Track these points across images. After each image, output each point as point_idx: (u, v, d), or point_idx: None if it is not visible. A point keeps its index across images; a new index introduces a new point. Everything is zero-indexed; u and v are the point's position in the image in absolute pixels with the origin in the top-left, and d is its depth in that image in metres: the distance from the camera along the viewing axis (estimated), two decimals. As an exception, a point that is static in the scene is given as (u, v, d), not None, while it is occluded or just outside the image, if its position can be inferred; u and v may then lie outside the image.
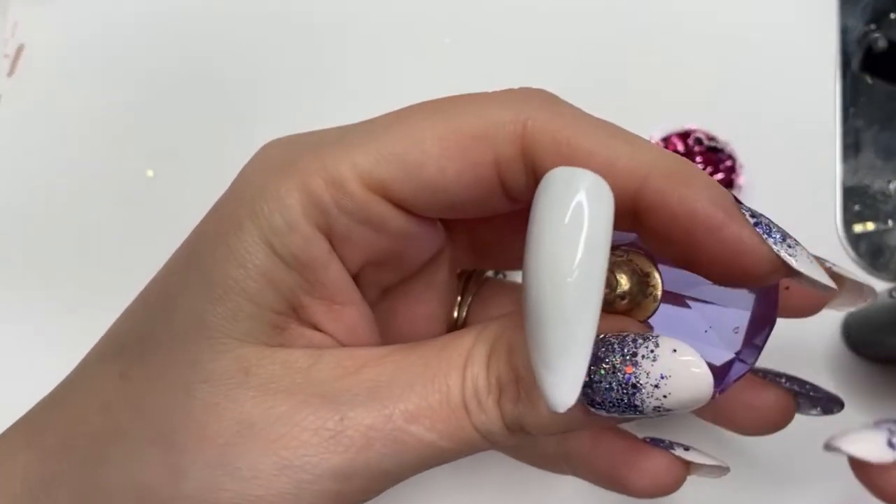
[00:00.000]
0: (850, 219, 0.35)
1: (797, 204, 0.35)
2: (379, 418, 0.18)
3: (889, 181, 0.35)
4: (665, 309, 0.20)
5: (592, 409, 0.17)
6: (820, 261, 0.19)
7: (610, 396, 0.17)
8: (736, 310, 0.20)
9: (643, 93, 0.38)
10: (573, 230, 0.15)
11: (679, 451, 0.20)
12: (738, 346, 0.19)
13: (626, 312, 0.19)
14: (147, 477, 0.18)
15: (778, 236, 0.17)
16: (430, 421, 0.18)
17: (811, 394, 0.22)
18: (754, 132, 0.36)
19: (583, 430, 0.22)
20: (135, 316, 0.20)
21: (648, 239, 0.18)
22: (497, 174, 0.18)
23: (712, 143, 0.35)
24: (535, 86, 0.19)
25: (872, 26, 0.37)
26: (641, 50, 0.39)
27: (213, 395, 0.18)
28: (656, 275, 0.19)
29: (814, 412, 0.22)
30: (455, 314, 0.24)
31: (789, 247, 0.17)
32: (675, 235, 0.17)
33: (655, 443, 0.22)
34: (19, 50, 0.41)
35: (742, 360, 0.20)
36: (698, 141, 0.35)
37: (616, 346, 0.17)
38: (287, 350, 0.19)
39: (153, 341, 0.19)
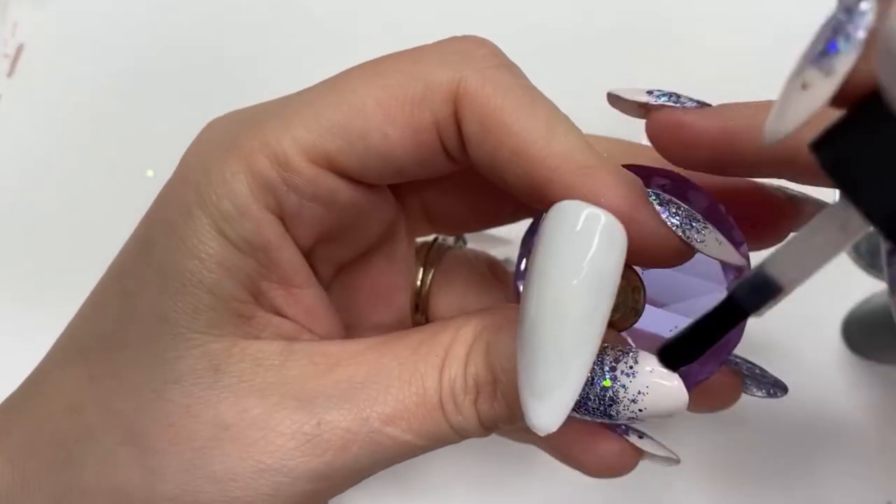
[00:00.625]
0: (850, 219, 0.34)
1: (797, 204, 0.35)
2: (356, 421, 0.18)
3: (889, 181, 0.35)
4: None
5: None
6: (780, 189, 0.20)
7: (586, 405, 0.17)
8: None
9: (643, 93, 0.38)
10: (580, 263, 0.15)
11: (633, 438, 0.21)
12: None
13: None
14: (122, 478, 0.18)
15: (686, 221, 0.17)
16: (406, 422, 0.18)
17: (758, 376, 0.23)
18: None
19: None
20: (95, 313, 0.20)
21: None
22: (437, 135, 0.18)
23: (712, 143, 0.35)
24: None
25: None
26: (641, 51, 0.39)
27: (184, 395, 0.18)
28: (641, 290, 0.20)
29: (759, 394, 0.23)
30: (418, 285, 0.24)
31: (697, 231, 0.17)
32: None
33: (612, 426, 0.22)
34: (19, 50, 0.41)
35: (701, 366, 0.20)
36: (698, 141, 0.35)
37: (596, 358, 0.17)
38: (256, 343, 0.19)
39: (118, 341, 0.19)
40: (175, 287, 0.18)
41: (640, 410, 0.17)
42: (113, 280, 0.20)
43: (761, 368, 0.23)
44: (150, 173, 0.39)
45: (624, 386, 0.17)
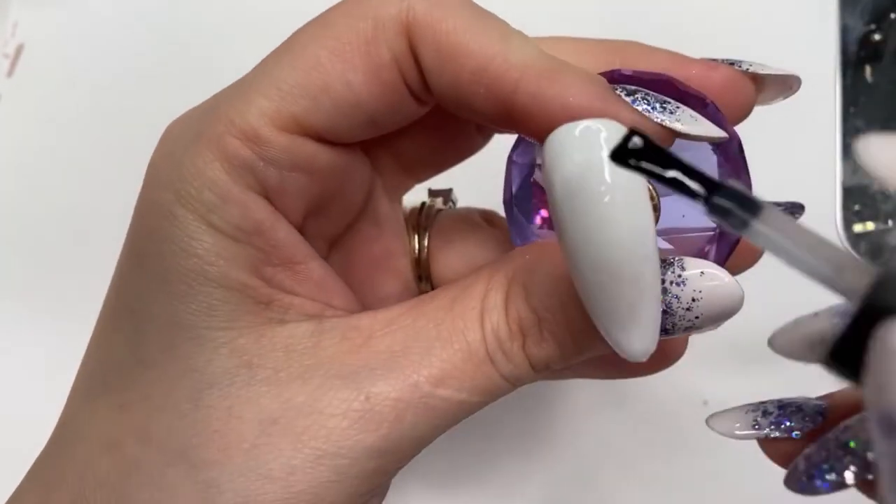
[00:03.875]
0: (850, 218, 0.35)
1: (797, 204, 0.35)
2: (405, 389, 0.17)
3: (889, 181, 0.35)
4: None
5: None
6: (738, 63, 0.19)
7: None
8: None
9: (643, 93, 0.38)
10: (613, 209, 0.15)
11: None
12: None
13: None
14: (177, 500, 0.17)
15: (657, 105, 0.17)
16: (457, 381, 0.17)
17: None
18: (754, 132, 0.36)
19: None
20: (106, 342, 0.19)
21: (533, 136, 0.18)
22: (399, 72, 0.18)
23: (712, 143, 0.35)
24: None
25: (872, 26, 0.37)
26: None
27: (223, 398, 0.17)
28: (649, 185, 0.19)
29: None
30: (416, 253, 0.24)
31: (671, 112, 0.17)
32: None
33: None
34: (19, 50, 0.41)
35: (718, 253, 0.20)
36: (698, 141, 0.35)
37: None
38: (284, 329, 0.18)
39: (139, 363, 0.18)
40: (182, 290, 0.17)
41: (697, 318, 0.17)
42: (115, 304, 0.19)
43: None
44: (149, 173, 0.39)
45: (677, 297, 0.16)
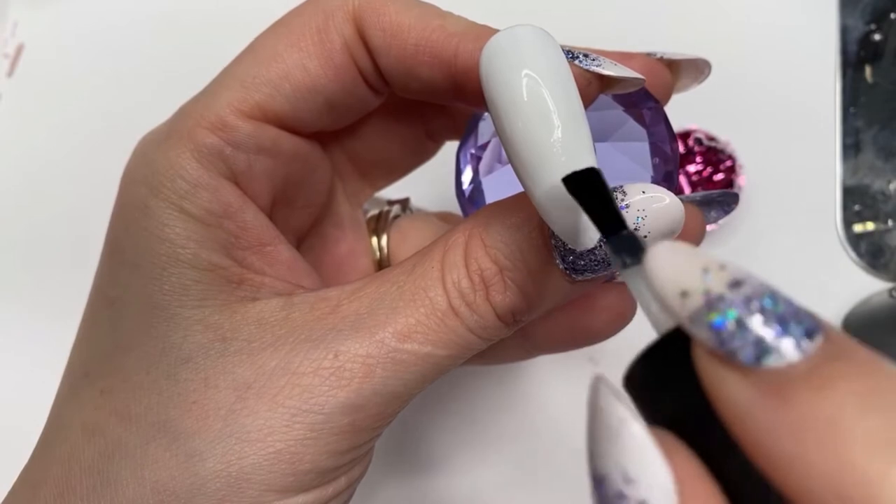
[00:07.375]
0: (850, 219, 0.35)
1: (797, 204, 0.35)
2: (372, 345, 0.18)
3: (889, 181, 0.35)
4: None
5: (578, 277, 0.18)
6: (652, 53, 0.21)
7: (593, 257, 0.17)
8: (642, 143, 0.21)
9: (643, 93, 0.38)
10: (536, 101, 0.15)
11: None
12: (652, 172, 0.21)
13: None
14: (162, 474, 0.17)
15: (581, 56, 0.18)
16: (422, 335, 0.18)
17: (713, 199, 0.22)
18: (754, 132, 0.36)
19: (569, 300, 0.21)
20: (88, 335, 0.20)
21: (476, 102, 0.19)
22: (350, 57, 0.20)
23: (712, 143, 0.35)
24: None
25: (872, 26, 0.36)
26: (641, 49, 0.39)
27: (199, 371, 0.18)
28: None
29: (714, 215, 0.22)
30: (377, 255, 0.25)
31: (593, 60, 0.18)
32: None
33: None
34: (19, 50, 0.41)
35: (665, 181, 0.21)
36: (698, 141, 0.35)
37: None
38: (256, 305, 0.19)
39: (118, 348, 0.18)
40: (155, 273, 0.18)
41: (645, 237, 0.17)
42: (94, 299, 0.20)
43: (705, 192, 0.23)
44: (149, 173, 0.39)
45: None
